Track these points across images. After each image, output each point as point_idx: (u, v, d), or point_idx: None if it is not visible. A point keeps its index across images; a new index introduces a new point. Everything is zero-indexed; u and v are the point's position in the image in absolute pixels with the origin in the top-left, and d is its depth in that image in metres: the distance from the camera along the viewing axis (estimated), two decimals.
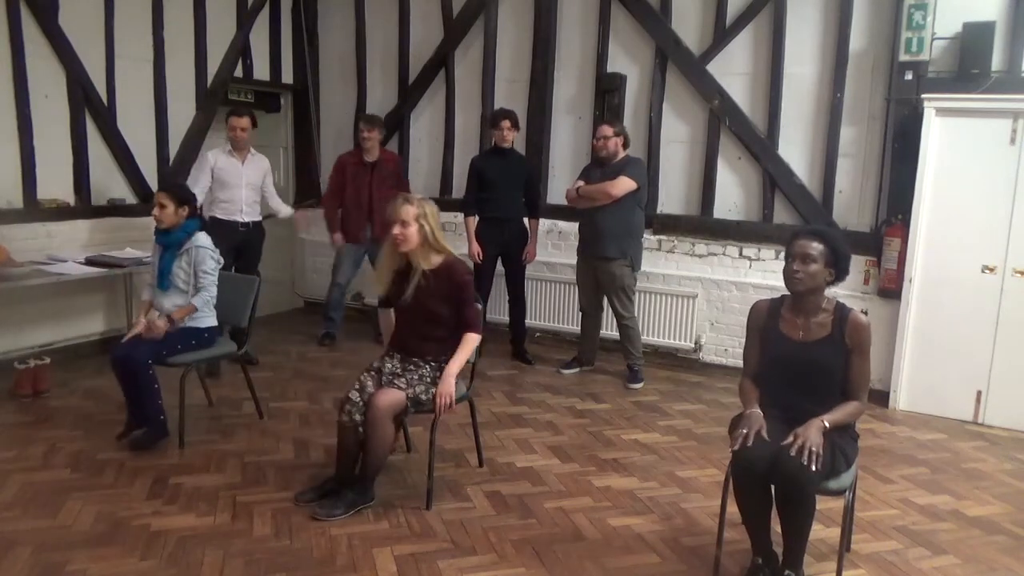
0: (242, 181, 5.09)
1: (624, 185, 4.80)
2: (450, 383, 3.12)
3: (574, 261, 5.30)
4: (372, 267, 5.60)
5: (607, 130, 4.89)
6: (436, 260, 3.18)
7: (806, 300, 2.73)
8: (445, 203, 5.23)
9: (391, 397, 3.09)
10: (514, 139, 5.31)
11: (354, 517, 3.11)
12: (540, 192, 5.69)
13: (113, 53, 5.30)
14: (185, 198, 3.93)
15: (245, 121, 5.06)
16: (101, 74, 5.27)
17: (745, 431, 2.58)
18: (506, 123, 5.23)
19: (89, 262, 4.88)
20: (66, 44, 5.01)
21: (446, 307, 3.21)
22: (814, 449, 2.48)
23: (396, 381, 3.17)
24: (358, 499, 3.16)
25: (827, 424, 2.57)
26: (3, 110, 4.75)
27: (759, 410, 2.67)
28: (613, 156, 4.89)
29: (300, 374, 5.07)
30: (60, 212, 5.07)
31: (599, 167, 4.99)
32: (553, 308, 5.98)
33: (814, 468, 2.45)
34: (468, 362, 3.45)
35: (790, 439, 2.53)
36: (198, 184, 4.87)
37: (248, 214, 5.14)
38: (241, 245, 5.10)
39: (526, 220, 5.46)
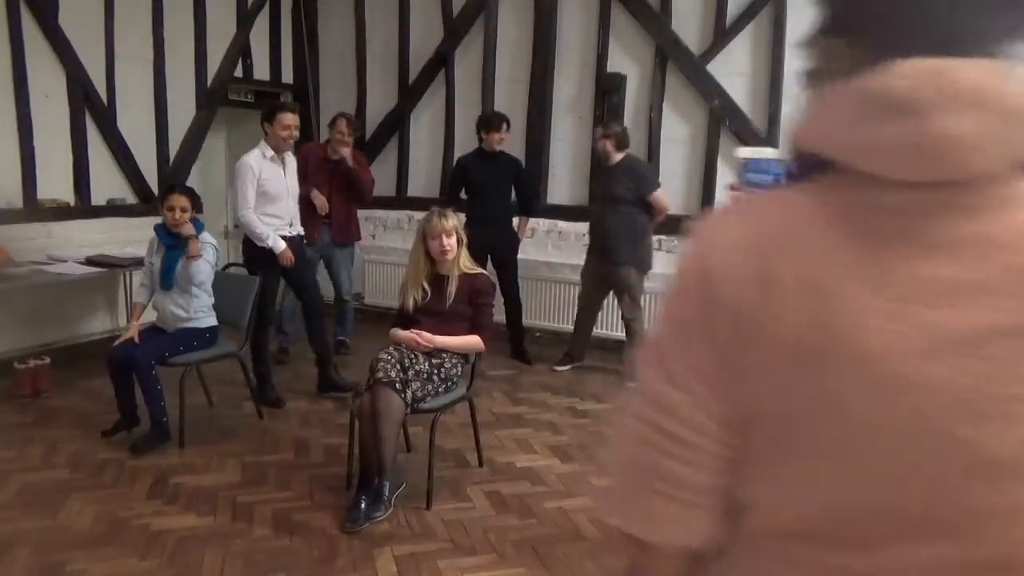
0: (287, 190, 4.41)
1: (663, 195, 5.01)
2: (431, 338, 3.29)
3: (574, 261, 5.34)
4: (327, 271, 5.33)
5: (596, 132, 5.03)
6: (464, 266, 3.43)
7: None
8: (445, 203, 5.23)
9: (392, 404, 3.10)
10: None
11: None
12: (536, 192, 5.68)
13: (113, 53, 5.31)
14: (196, 197, 3.97)
15: (298, 118, 4.35)
16: (101, 74, 5.27)
17: None
18: (504, 125, 5.24)
19: (89, 262, 4.88)
20: (66, 44, 5.01)
21: (469, 309, 3.42)
22: None
23: (413, 381, 3.19)
24: (393, 486, 3.13)
25: None
26: (3, 110, 4.75)
27: None
28: (608, 157, 4.96)
29: (300, 374, 5.06)
30: (60, 212, 5.07)
31: (604, 169, 5.10)
32: (553, 308, 5.97)
33: None
34: (468, 362, 3.48)
35: None
36: (248, 201, 4.20)
37: (296, 227, 4.50)
38: (292, 264, 4.43)
39: (516, 221, 5.47)
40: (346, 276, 5.42)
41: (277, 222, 4.34)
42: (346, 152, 5.04)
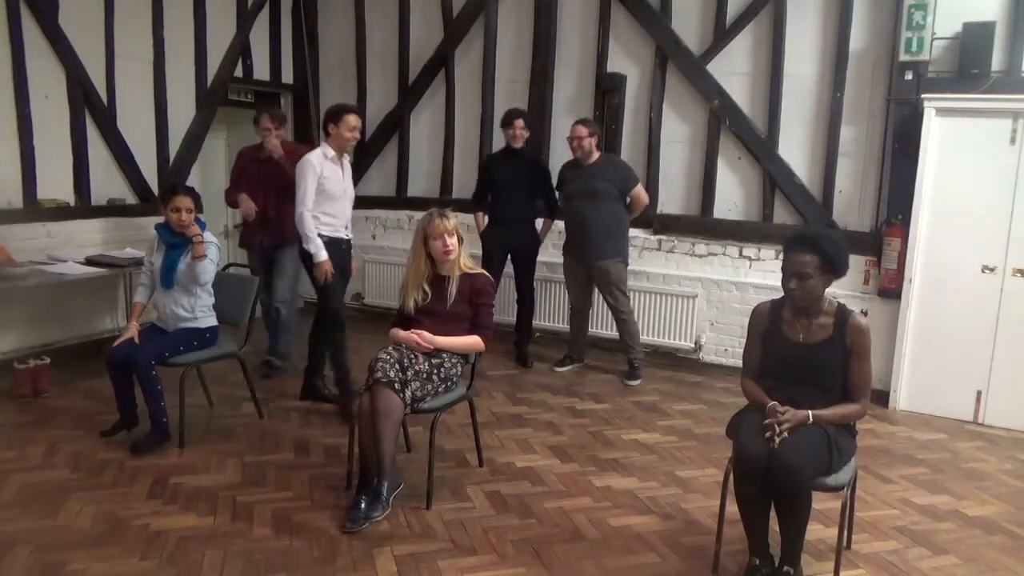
0: (344, 191, 4.34)
1: (643, 192, 5.10)
2: (432, 338, 3.29)
3: None
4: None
5: (582, 130, 4.95)
6: (464, 266, 3.41)
7: (808, 305, 2.74)
8: (445, 203, 5.22)
9: (392, 403, 3.10)
10: (526, 139, 5.24)
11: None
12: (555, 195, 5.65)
13: (113, 53, 5.31)
14: (198, 197, 3.98)
15: (360, 120, 4.32)
16: (101, 74, 5.27)
17: (777, 426, 2.57)
18: (519, 122, 5.18)
19: (89, 262, 4.88)
20: (66, 44, 5.01)
21: (469, 309, 3.40)
22: (778, 429, 2.54)
23: (412, 381, 3.19)
24: (392, 486, 3.11)
25: (812, 417, 2.61)
26: (3, 110, 4.76)
27: (775, 402, 2.68)
28: (589, 155, 4.95)
29: (300, 374, 5.05)
30: (60, 212, 5.07)
31: (575, 169, 5.06)
32: (554, 308, 5.98)
33: (772, 444, 2.53)
34: (468, 362, 3.48)
35: (768, 420, 2.60)
36: (307, 200, 4.12)
37: (351, 229, 4.44)
38: (344, 266, 4.38)
39: (539, 222, 5.44)
40: (281, 281, 4.94)
41: (335, 222, 4.28)
42: (274, 145, 4.74)
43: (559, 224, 5.80)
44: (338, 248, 4.29)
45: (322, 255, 4.15)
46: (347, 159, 4.40)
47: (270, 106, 5.40)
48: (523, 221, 5.34)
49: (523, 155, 5.29)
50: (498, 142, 5.43)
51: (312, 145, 4.98)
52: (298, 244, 4.27)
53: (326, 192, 4.19)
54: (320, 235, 4.17)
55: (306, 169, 4.13)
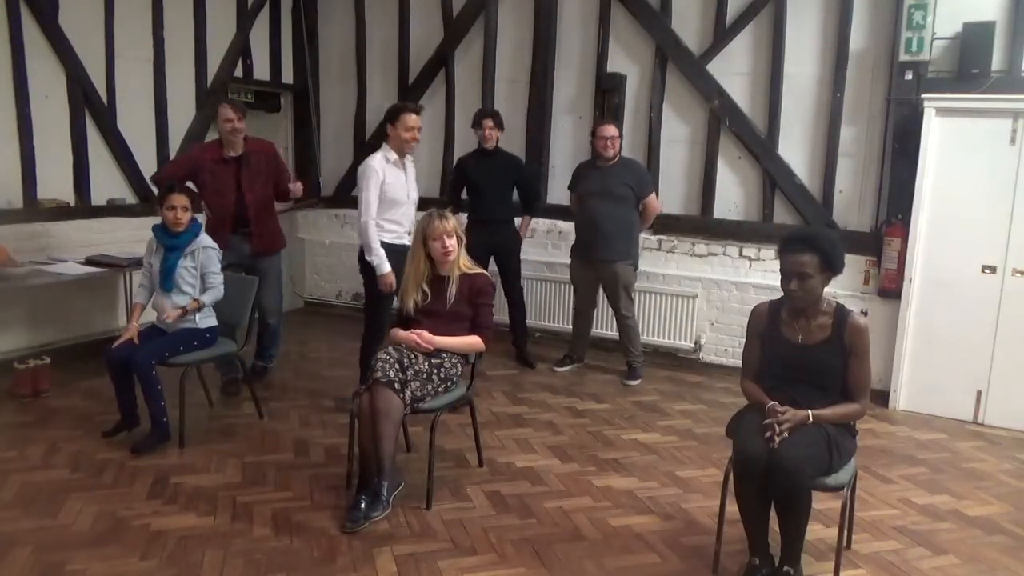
0: (407, 196, 4.18)
1: (656, 201, 5.11)
2: (431, 338, 3.30)
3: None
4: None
5: (613, 130, 4.91)
6: (464, 266, 3.42)
7: (807, 306, 2.74)
8: (445, 203, 5.23)
9: (391, 403, 3.10)
10: (498, 139, 5.20)
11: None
12: (537, 191, 5.65)
13: (113, 53, 5.30)
14: (194, 198, 3.98)
15: (420, 119, 4.09)
16: (101, 74, 5.26)
17: (777, 426, 2.57)
18: (488, 122, 5.12)
19: (89, 262, 4.88)
20: (66, 44, 5.00)
21: (469, 309, 3.40)
22: (778, 429, 2.55)
23: (412, 381, 3.19)
24: (392, 486, 3.12)
25: (811, 417, 2.61)
26: (3, 110, 4.75)
27: (774, 402, 2.68)
28: (610, 156, 4.93)
29: (300, 374, 5.07)
30: (60, 212, 5.06)
31: (593, 168, 5.03)
32: (553, 308, 5.97)
33: (772, 445, 2.53)
34: (468, 362, 3.48)
35: (768, 420, 2.60)
36: (371, 208, 4.00)
37: (411, 236, 4.11)
38: (392, 290, 4.15)
39: (519, 220, 5.44)
40: (270, 292, 4.60)
41: (398, 229, 4.16)
42: (237, 140, 4.37)
43: (559, 224, 5.83)
44: (400, 255, 4.09)
45: (385, 267, 4.05)
46: (410, 160, 4.26)
47: (227, 97, 5.11)
48: (503, 220, 5.30)
49: (497, 154, 5.23)
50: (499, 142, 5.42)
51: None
52: (358, 251, 4.18)
53: (389, 198, 4.05)
54: (382, 243, 4.05)
55: (369, 176, 4.02)
